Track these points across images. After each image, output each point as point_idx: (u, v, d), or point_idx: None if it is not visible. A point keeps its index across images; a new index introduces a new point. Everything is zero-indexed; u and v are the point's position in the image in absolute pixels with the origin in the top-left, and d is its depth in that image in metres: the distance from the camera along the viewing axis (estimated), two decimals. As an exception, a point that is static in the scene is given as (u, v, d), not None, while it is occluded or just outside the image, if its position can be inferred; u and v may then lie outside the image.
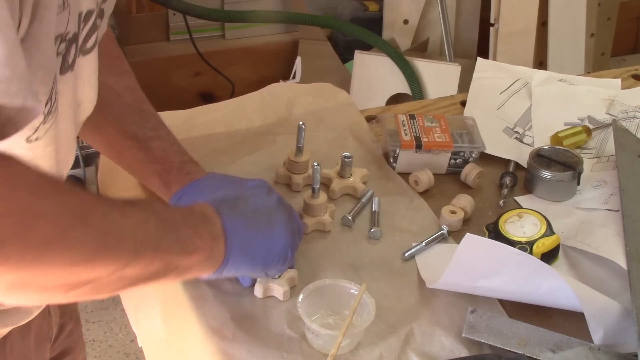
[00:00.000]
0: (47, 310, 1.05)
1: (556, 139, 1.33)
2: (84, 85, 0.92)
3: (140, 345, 1.00)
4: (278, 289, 1.01)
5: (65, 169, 0.93)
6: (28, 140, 0.80)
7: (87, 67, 0.91)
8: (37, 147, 0.82)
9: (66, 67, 0.84)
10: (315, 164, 1.10)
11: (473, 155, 1.26)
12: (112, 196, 1.15)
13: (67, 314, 1.16)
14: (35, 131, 0.80)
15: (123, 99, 1.10)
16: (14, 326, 0.97)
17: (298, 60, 2.92)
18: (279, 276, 1.02)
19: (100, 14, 0.92)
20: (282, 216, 0.99)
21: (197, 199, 1.03)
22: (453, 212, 1.16)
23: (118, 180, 1.17)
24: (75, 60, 0.85)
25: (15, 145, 0.79)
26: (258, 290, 1.02)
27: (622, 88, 1.48)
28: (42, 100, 0.74)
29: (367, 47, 2.84)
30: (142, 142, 1.09)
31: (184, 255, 0.86)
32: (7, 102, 0.65)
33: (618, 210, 1.16)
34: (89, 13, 0.85)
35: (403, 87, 2.69)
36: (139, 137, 1.09)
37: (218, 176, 1.09)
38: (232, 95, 2.85)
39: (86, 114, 0.96)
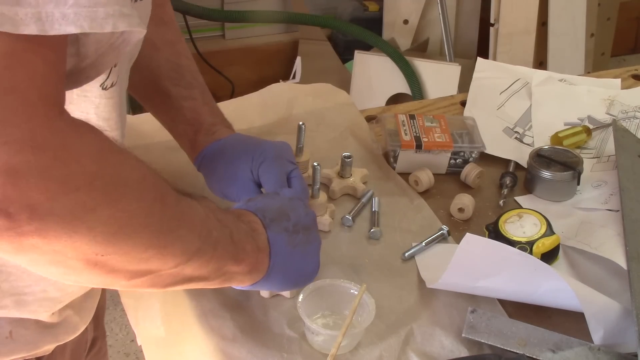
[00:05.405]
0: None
1: (556, 139, 1.33)
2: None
3: (140, 345, 1.00)
4: None
5: (124, 128, 0.90)
6: (103, 86, 0.78)
7: (141, 11, 0.86)
8: (113, 94, 0.79)
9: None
10: (315, 164, 1.10)
11: (473, 155, 1.26)
12: None
13: (99, 329, 1.15)
14: (109, 76, 0.77)
15: (161, 53, 1.08)
16: (64, 341, 0.96)
17: (298, 60, 2.92)
18: None
19: None
20: (318, 237, 0.97)
21: (216, 160, 1.02)
22: (461, 210, 1.17)
23: None
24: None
25: (92, 94, 0.77)
26: (264, 290, 1.02)
27: (622, 88, 1.48)
28: (137, 22, 0.68)
29: (367, 47, 2.84)
30: (175, 101, 1.08)
31: (234, 261, 0.84)
32: (98, 29, 0.63)
33: (618, 210, 1.16)
34: None
35: (403, 87, 2.70)
36: (172, 95, 1.08)
37: (240, 137, 1.08)
38: (232, 95, 2.85)
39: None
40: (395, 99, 2.70)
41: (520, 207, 1.19)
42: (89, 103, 0.79)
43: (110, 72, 0.78)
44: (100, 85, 0.78)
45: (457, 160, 1.27)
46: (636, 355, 0.92)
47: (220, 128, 1.08)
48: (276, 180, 1.03)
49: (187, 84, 1.09)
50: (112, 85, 0.79)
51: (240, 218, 0.89)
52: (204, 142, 1.07)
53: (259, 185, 1.05)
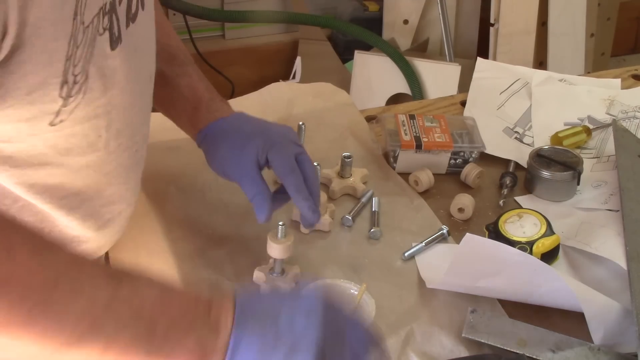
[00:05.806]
0: None
1: (556, 139, 1.33)
2: (143, 53, 0.90)
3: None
4: (285, 288, 1.01)
5: (130, 140, 0.92)
6: (51, 124, 0.80)
7: (141, 33, 0.89)
8: (65, 128, 0.81)
9: (114, 40, 0.82)
10: (315, 164, 1.10)
11: (473, 155, 1.26)
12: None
13: None
14: (58, 115, 0.79)
15: None
16: None
17: (298, 60, 2.92)
18: (284, 274, 1.02)
19: None
20: (309, 351, 0.71)
21: (221, 138, 1.03)
22: (461, 210, 1.17)
23: None
24: (120, 31, 0.83)
25: (39, 130, 0.79)
26: (264, 290, 1.01)
27: (622, 88, 1.48)
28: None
29: (367, 47, 2.84)
30: (170, 79, 1.09)
31: (151, 356, 0.69)
32: None
33: (618, 210, 1.16)
34: None
35: (403, 87, 2.69)
36: (167, 74, 1.08)
37: (244, 117, 1.09)
38: (232, 95, 2.85)
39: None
40: (395, 99, 2.70)
41: (520, 207, 1.19)
42: (38, 139, 0.81)
43: (59, 112, 0.80)
44: (48, 124, 0.80)
45: (457, 160, 1.27)
46: (636, 355, 0.92)
47: (220, 105, 1.09)
48: (286, 163, 1.03)
49: (180, 62, 1.10)
50: (61, 122, 0.81)
51: (209, 313, 0.71)
52: (205, 120, 1.07)
53: (262, 168, 1.05)
